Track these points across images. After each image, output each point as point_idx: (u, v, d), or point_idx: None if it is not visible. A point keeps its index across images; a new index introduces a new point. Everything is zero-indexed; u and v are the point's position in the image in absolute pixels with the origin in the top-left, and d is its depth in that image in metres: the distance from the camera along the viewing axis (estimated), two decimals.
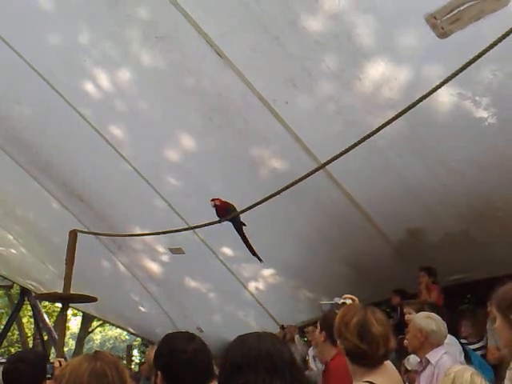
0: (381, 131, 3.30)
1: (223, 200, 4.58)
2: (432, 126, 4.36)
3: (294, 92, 4.51)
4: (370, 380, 2.18)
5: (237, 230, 4.77)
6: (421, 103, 3.03)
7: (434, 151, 4.55)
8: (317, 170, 3.98)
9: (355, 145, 3.38)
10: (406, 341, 3.49)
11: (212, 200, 4.53)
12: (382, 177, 4.95)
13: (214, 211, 4.60)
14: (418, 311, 3.80)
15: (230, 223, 4.73)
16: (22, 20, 5.02)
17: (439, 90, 3.14)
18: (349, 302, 3.29)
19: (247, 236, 4.87)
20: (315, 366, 6.12)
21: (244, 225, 4.74)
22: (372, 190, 5.15)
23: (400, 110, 3.18)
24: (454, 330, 4.55)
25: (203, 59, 4.67)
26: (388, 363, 2.34)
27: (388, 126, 3.27)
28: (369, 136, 3.33)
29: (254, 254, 4.99)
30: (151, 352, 4.75)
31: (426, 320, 3.41)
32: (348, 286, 5.97)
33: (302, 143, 4.96)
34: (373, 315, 2.28)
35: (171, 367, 2.00)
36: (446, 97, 4.10)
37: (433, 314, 3.55)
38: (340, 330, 2.30)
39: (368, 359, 2.22)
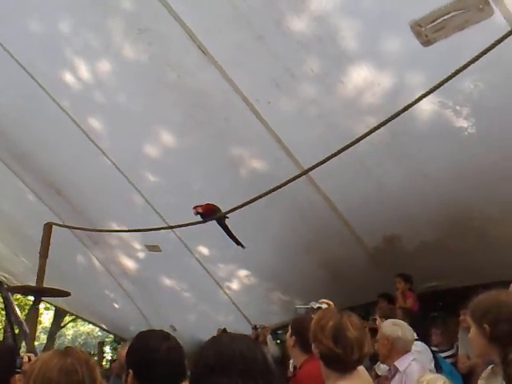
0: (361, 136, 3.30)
1: (204, 204, 4.52)
2: (412, 134, 4.37)
3: (276, 93, 4.49)
4: None
5: (220, 225, 4.73)
6: (401, 110, 3.03)
7: (414, 159, 4.56)
8: (300, 175, 3.97)
9: (339, 152, 3.37)
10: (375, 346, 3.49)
11: (194, 208, 4.47)
12: (361, 183, 4.95)
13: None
14: (386, 317, 3.80)
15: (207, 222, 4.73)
16: (1, 7, 4.91)
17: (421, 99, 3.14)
18: (324, 306, 3.27)
19: (226, 237, 4.86)
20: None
21: (226, 217, 4.70)
22: (351, 195, 5.15)
23: (381, 116, 3.18)
24: (425, 337, 4.57)
25: (186, 54, 4.62)
26: (361, 368, 2.33)
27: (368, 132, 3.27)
28: (353, 143, 3.32)
29: (238, 242, 4.94)
30: (123, 350, 4.67)
31: (391, 327, 3.43)
32: (323, 290, 5.97)
33: (283, 145, 4.94)
34: (348, 319, 2.27)
35: (143, 366, 1.96)
36: (427, 105, 4.11)
37: (399, 320, 3.58)
38: (315, 334, 2.29)
39: (342, 363, 2.21)
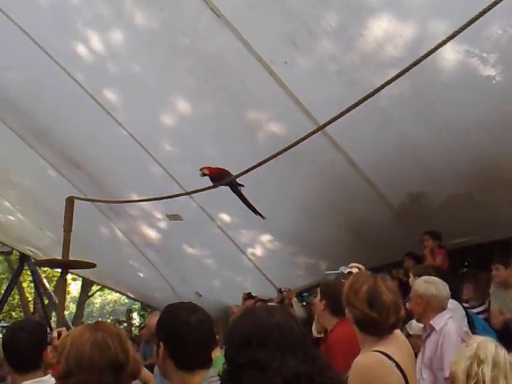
0: (383, 91, 3.15)
1: (213, 167, 4.44)
2: (437, 86, 4.22)
3: (293, 51, 4.34)
4: (380, 349, 2.13)
5: (235, 193, 4.66)
6: (425, 61, 2.88)
7: (438, 112, 4.41)
8: (316, 131, 3.84)
9: (355, 105, 3.24)
10: (407, 304, 3.42)
11: (200, 169, 4.39)
12: (383, 139, 4.83)
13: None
14: (419, 276, 3.74)
15: (227, 189, 4.67)
16: None
17: (444, 47, 2.98)
18: (355, 270, 3.23)
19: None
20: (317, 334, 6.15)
21: (242, 186, 4.63)
22: (373, 152, 5.03)
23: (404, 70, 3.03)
24: (456, 295, 4.53)
25: (198, 18, 4.48)
26: (398, 332, 2.30)
27: (390, 86, 3.12)
28: (369, 96, 3.17)
29: (256, 212, 4.87)
30: (152, 319, 4.74)
31: (424, 285, 3.34)
32: (347, 251, 5.95)
33: (302, 106, 4.80)
34: (383, 283, 2.23)
35: (173, 338, 1.95)
36: (451, 54, 3.95)
37: (432, 277, 3.47)
38: (349, 299, 2.25)
39: (378, 328, 2.18)
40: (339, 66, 4.35)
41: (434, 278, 3.46)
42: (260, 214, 4.90)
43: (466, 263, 6.77)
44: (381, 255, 6.24)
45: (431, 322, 3.26)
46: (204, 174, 4.39)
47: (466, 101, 4.24)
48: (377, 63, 4.13)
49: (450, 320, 3.24)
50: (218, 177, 4.41)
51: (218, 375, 1.61)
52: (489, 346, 2.17)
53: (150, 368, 3.82)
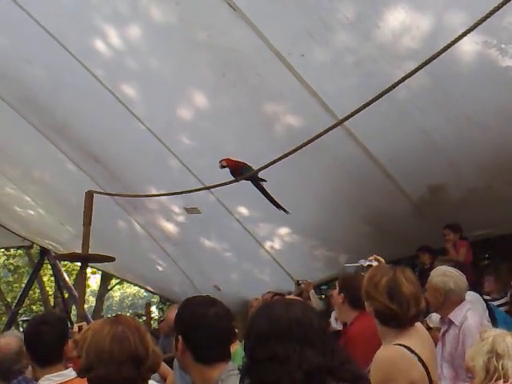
0: (402, 84, 3.13)
1: (233, 159, 4.44)
2: (455, 77, 4.17)
3: (310, 44, 4.32)
4: (402, 343, 2.12)
5: (257, 187, 4.65)
6: (443, 54, 2.85)
7: (458, 103, 4.37)
8: (335, 126, 3.83)
9: (374, 99, 3.22)
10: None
11: (220, 161, 4.39)
12: (402, 132, 4.79)
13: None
14: None
15: (245, 182, 4.67)
16: None
17: (463, 39, 2.95)
18: (375, 263, 3.21)
19: (263, 196, 4.79)
20: (337, 327, 6.15)
21: (264, 180, 4.62)
22: (392, 145, 5.00)
23: (421, 61, 3.01)
24: (477, 287, 4.50)
25: (215, 12, 4.48)
26: (419, 324, 2.28)
27: (409, 78, 3.10)
28: (389, 90, 3.16)
29: (279, 206, 4.85)
30: (170, 312, 4.79)
31: (442, 278, 3.27)
32: (367, 244, 5.92)
33: (319, 98, 4.78)
34: (403, 275, 2.22)
35: (191, 332, 1.96)
36: (469, 45, 3.89)
37: (449, 269, 3.40)
38: (369, 292, 2.24)
39: (398, 320, 2.17)
40: (356, 57, 4.33)
41: (451, 270, 3.40)
42: (283, 209, 4.88)
43: (487, 256, 6.70)
44: (401, 248, 6.21)
45: (450, 316, 3.20)
46: (223, 166, 4.40)
47: (485, 92, 4.19)
48: (394, 55, 4.10)
49: (470, 312, 3.17)
50: (237, 170, 4.41)
51: (238, 369, 1.62)
52: (507, 338, 2.14)
53: (170, 361, 3.86)
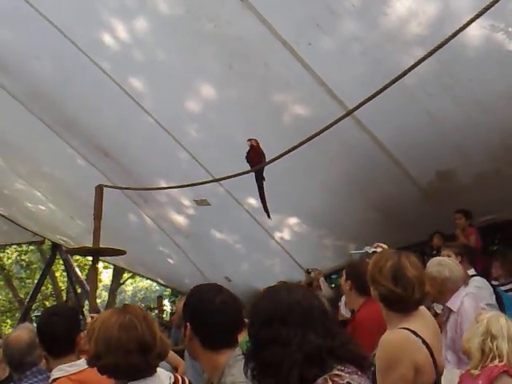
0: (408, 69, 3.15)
1: (259, 144, 4.47)
2: (463, 62, 4.17)
3: (317, 33, 4.33)
4: (406, 326, 2.15)
5: (257, 181, 4.70)
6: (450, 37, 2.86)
7: (465, 87, 4.36)
8: (344, 117, 3.85)
9: (384, 88, 3.24)
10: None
11: (249, 140, 4.41)
12: (409, 117, 4.80)
13: (239, 162, 4.54)
14: (456, 254, 3.72)
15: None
16: None
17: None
18: (380, 250, 3.23)
19: (273, 186, 4.83)
20: (346, 314, 6.19)
21: (264, 179, 4.66)
22: (399, 131, 5.00)
23: (429, 46, 3.01)
24: (486, 272, 4.51)
25: (221, 2, 4.49)
26: (423, 308, 2.30)
27: (416, 63, 3.11)
28: (399, 77, 3.17)
29: (266, 209, 4.91)
30: (180, 303, 4.84)
31: (437, 268, 3.29)
32: (376, 232, 5.94)
33: (327, 87, 4.79)
34: (407, 259, 2.24)
35: (198, 319, 1.99)
36: (477, 30, 3.89)
37: (445, 259, 3.47)
38: (374, 276, 2.26)
39: (403, 304, 2.19)
40: (363, 45, 4.34)
41: (446, 259, 3.45)
42: (267, 213, 4.93)
43: (497, 241, 6.69)
44: (409, 235, 6.22)
45: (448, 304, 3.24)
46: (251, 145, 4.46)
47: (492, 76, 4.19)
48: (401, 41, 4.10)
49: (466, 298, 3.21)
50: (257, 155, 4.46)
51: (243, 353, 1.66)
52: (500, 320, 2.17)
53: (182, 353, 3.90)
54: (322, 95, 4.87)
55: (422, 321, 2.22)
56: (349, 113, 4.01)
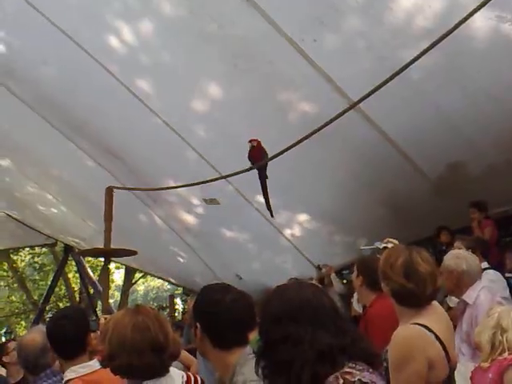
0: (416, 63, 3.13)
1: (260, 143, 4.48)
2: (470, 54, 4.14)
3: (321, 30, 4.31)
4: (419, 322, 2.15)
5: (260, 179, 4.70)
6: (456, 30, 2.83)
7: (474, 79, 4.34)
8: (348, 109, 3.83)
9: (387, 80, 3.22)
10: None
11: (250, 141, 4.43)
12: (418, 111, 4.77)
13: (247, 160, 4.54)
14: (467, 248, 3.70)
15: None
16: None
17: (475, 15, 2.92)
18: (390, 245, 3.22)
19: (282, 183, 4.82)
20: (359, 309, 6.18)
21: (267, 177, 4.66)
22: (407, 125, 4.97)
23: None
24: (499, 265, 4.47)
25: (225, 1, 4.49)
26: (435, 304, 2.29)
27: (423, 58, 3.09)
28: (402, 70, 3.15)
29: (269, 207, 4.93)
30: (191, 302, 4.85)
31: (455, 261, 3.29)
32: (386, 227, 5.92)
33: (334, 84, 4.77)
34: (418, 254, 2.23)
35: (208, 318, 1.99)
36: (483, 21, 3.86)
37: (461, 252, 3.45)
38: (385, 272, 2.26)
39: (415, 299, 2.18)
40: (368, 41, 4.32)
41: (463, 252, 3.43)
42: (271, 211, 4.97)
43: (510, 232, 6.63)
44: (420, 229, 6.18)
45: (464, 296, 3.24)
46: (252, 146, 4.47)
47: (500, 67, 4.16)
48: (407, 36, 4.08)
49: (483, 291, 3.20)
50: (259, 154, 4.46)
51: (254, 352, 1.65)
52: (511, 314, 2.15)
53: (194, 351, 3.91)
54: (329, 92, 4.85)
55: (435, 315, 2.21)
56: (353, 105, 3.99)
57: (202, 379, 2.44)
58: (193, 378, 2.36)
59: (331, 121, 3.67)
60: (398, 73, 3.16)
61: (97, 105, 6.44)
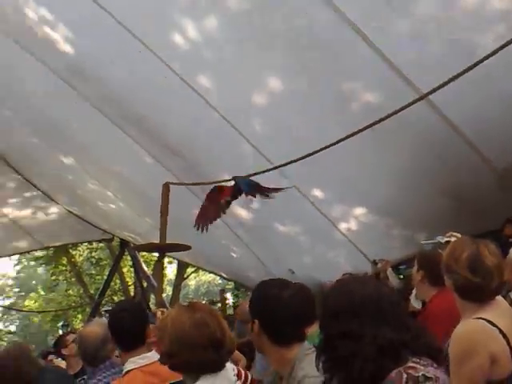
0: (486, 48, 3.03)
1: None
2: None
3: (388, 15, 4.21)
4: (482, 316, 2.10)
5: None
6: None
7: None
8: (417, 100, 3.75)
9: (462, 73, 3.13)
10: None
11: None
12: (485, 98, 4.57)
13: (302, 152, 4.51)
14: None
15: (319, 164, 4.60)
16: None
17: None
18: (453, 239, 3.14)
19: (340, 176, 4.74)
20: (417, 305, 6.06)
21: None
22: (474, 113, 4.77)
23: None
24: None
25: None
26: (499, 298, 2.25)
27: (493, 43, 2.99)
28: (483, 60, 3.05)
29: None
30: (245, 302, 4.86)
31: None
32: (446, 221, 5.77)
33: (400, 72, 4.63)
34: (486, 247, 2.19)
35: (266, 315, 2.01)
36: None
37: None
38: (449, 265, 2.23)
39: (479, 293, 2.16)
40: (439, 26, 4.19)
41: None
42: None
43: None
44: (484, 223, 5.99)
45: None
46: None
47: None
48: (480, 19, 3.94)
49: None
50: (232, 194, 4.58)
51: (314, 346, 1.67)
52: None
53: (243, 346, 3.92)
54: (395, 81, 4.73)
55: (499, 310, 2.18)
56: (423, 97, 3.91)
57: (249, 374, 2.47)
58: (243, 372, 2.40)
59: (395, 112, 3.60)
60: (476, 64, 3.07)
61: (157, 101, 6.53)
